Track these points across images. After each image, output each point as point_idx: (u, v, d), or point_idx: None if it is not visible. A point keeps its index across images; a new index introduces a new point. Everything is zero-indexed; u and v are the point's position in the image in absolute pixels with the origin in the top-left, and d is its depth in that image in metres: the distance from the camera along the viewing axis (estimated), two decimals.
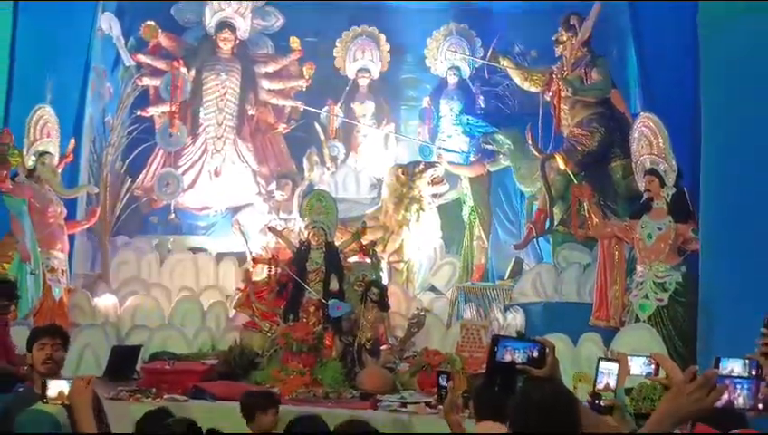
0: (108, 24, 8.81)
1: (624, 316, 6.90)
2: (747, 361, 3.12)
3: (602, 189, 7.86)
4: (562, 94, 8.20)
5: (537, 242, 8.35)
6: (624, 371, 3.25)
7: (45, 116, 7.44)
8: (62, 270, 7.29)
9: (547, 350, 2.53)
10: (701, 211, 6.54)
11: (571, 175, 7.72)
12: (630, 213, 7.25)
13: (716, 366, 4.06)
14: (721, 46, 6.78)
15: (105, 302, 7.83)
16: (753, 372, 2.77)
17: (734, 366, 3.30)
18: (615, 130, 8.01)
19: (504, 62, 9.00)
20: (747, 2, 6.52)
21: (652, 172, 6.89)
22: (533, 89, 8.75)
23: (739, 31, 6.55)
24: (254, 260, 7.48)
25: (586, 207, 7.37)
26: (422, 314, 7.13)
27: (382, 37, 10.48)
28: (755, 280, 5.98)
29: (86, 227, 7.97)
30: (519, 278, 8.09)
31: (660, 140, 6.91)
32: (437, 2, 10.54)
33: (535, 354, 2.53)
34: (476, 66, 10.19)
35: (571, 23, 8.29)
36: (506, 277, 8.49)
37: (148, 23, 9.36)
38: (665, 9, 8.19)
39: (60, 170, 7.55)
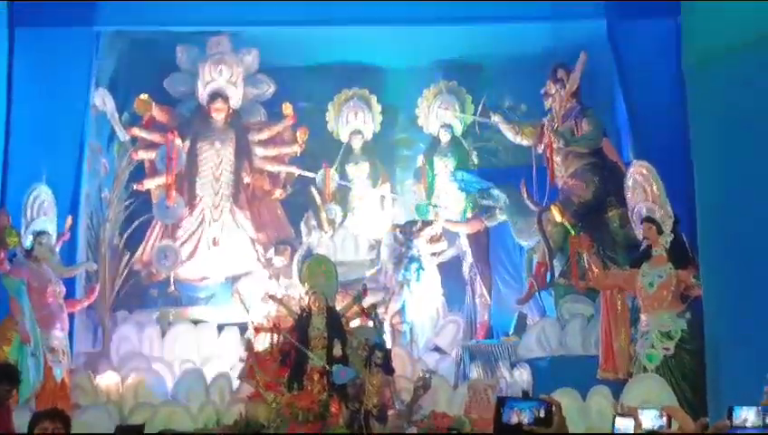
0: (101, 100, 8.90)
1: (631, 367, 6.84)
2: (760, 408, 3.06)
3: (601, 239, 7.86)
4: (554, 146, 8.26)
5: (539, 296, 8.31)
6: (637, 425, 3.22)
7: (42, 195, 7.47)
8: (63, 350, 7.23)
9: (554, 408, 2.51)
10: (700, 256, 6.53)
11: (569, 226, 7.72)
12: (630, 262, 7.24)
13: (729, 416, 4.00)
14: (707, 89, 6.86)
15: (107, 380, 7.73)
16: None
17: (748, 415, 3.24)
18: (609, 180, 8.04)
19: (495, 118, 9.08)
20: (729, 42, 6.61)
21: (649, 220, 6.90)
22: (525, 142, 8.81)
23: (724, 72, 6.63)
24: (256, 329, 7.40)
25: (586, 259, 7.35)
26: (428, 376, 7.05)
27: (373, 98, 10.57)
28: (761, 323, 5.95)
29: (86, 304, 7.92)
30: (524, 334, 8.03)
31: (654, 188, 6.94)
32: (426, 60, 10.68)
33: (542, 414, 2.52)
34: (468, 123, 10.30)
35: (559, 75, 8.40)
36: (511, 333, 8.43)
37: (141, 96, 9.45)
38: (650, 56, 8.33)
39: (57, 249, 7.54)
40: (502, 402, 2.54)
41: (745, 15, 6.98)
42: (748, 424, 2.94)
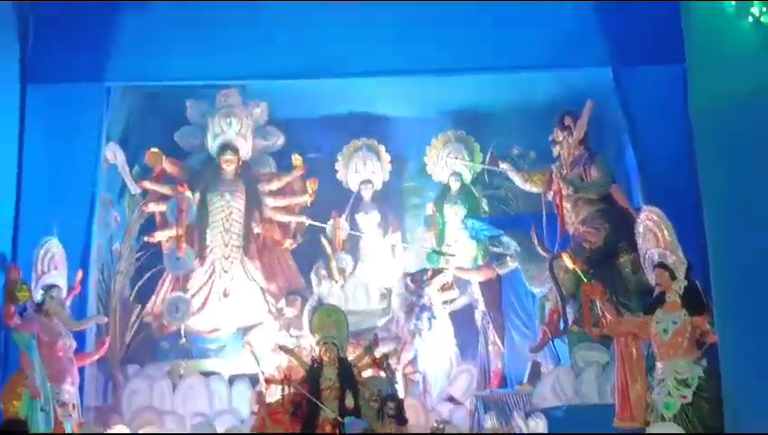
0: (112, 153, 8.99)
1: (649, 416, 6.72)
2: None
3: (613, 285, 7.78)
4: (564, 193, 8.25)
5: (553, 343, 8.22)
6: None
7: (53, 249, 7.49)
8: (73, 404, 7.18)
9: None
10: (714, 302, 6.46)
11: (581, 273, 7.66)
12: (644, 308, 7.16)
13: None
14: (715, 134, 6.87)
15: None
16: None
17: None
18: (620, 225, 8.00)
19: (504, 165, 9.11)
20: (735, 87, 6.64)
21: (661, 266, 6.84)
22: (535, 189, 8.81)
23: (731, 117, 6.65)
24: (267, 381, 7.35)
25: (599, 306, 7.28)
26: (441, 426, 6.96)
27: (382, 148, 10.66)
28: None
29: (96, 358, 7.87)
30: (538, 382, 7.93)
31: (666, 233, 6.90)
32: (434, 110, 10.77)
33: None
34: (477, 171, 10.33)
35: (566, 123, 8.43)
36: (525, 382, 8.33)
37: (152, 150, 9.54)
38: (657, 101, 8.37)
39: (68, 302, 7.54)
40: None
41: (750, 61, 7.04)
42: None
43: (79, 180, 8.32)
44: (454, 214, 10.23)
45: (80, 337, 7.71)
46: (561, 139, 8.50)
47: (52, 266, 7.46)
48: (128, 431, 7.71)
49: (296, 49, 8.90)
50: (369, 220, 10.33)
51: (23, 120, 8.38)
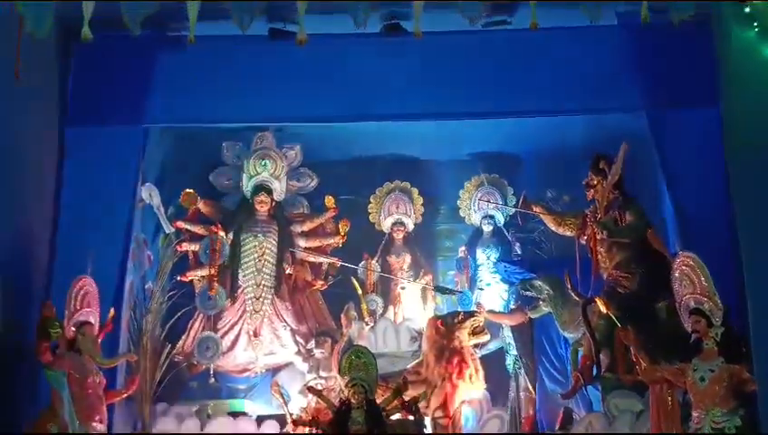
0: (148, 193, 9.08)
1: None
2: None
3: (648, 332, 7.61)
4: (598, 237, 8.17)
5: (586, 390, 8.06)
6: None
7: (86, 286, 7.56)
8: None
9: None
10: (754, 350, 6.32)
11: (615, 319, 7.53)
12: (680, 355, 7.00)
13: None
14: (751, 178, 6.80)
15: None
16: None
17: None
18: (655, 271, 7.86)
19: (537, 209, 9.05)
20: None
21: (697, 312, 6.72)
22: (568, 233, 8.72)
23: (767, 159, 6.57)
24: (294, 422, 7.31)
25: (633, 352, 7.14)
26: None
27: (415, 191, 10.68)
28: None
29: (125, 396, 7.88)
30: (569, 429, 7.76)
31: (702, 279, 6.79)
32: (467, 153, 10.78)
33: None
34: (510, 214, 10.29)
35: (600, 166, 8.36)
36: (557, 429, 8.15)
37: (188, 190, 9.63)
38: (693, 145, 8.29)
39: (100, 340, 7.58)
40: None
41: None
42: None
43: (114, 220, 8.40)
44: (486, 257, 10.19)
45: (110, 375, 7.73)
46: (595, 182, 8.43)
47: (85, 304, 7.51)
48: None
49: (331, 92, 8.98)
50: (400, 262, 10.33)
51: (61, 162, 8.55)
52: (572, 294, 8.14)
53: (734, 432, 6.34)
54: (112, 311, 7.83)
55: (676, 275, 6.99)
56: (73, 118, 8.64)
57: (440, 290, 9.77)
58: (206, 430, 8.51)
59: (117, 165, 8.54)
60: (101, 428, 7.22)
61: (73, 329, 7.38)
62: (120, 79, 8.66)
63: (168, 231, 9.43)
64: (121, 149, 8.61)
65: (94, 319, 7.56)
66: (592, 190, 8.46)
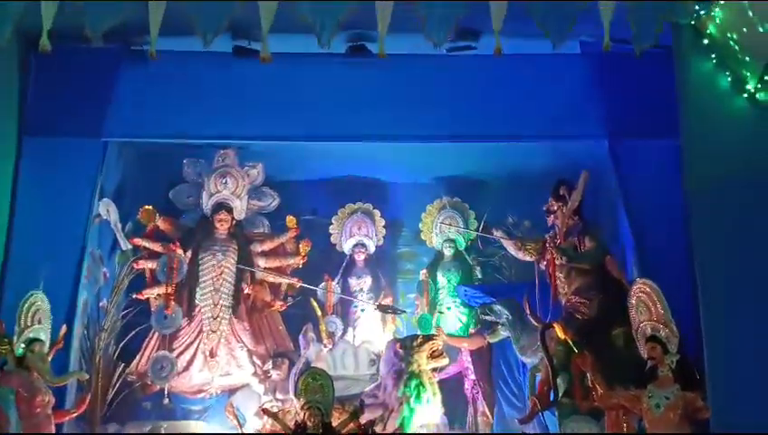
0: (105, 209, 8.93)
1: None
2: None
3: (605, 358, 7.60)
4: (557, 263, 8.19)
5: (542, 415, 8.04)
6: None
7: (38, 302, 7.37)
8: None
9: None
10: (708, 378, 6.36)
11: (572, 344, 7.55)
12: (636, 382, 7.02)
13: None
14: (710, 209, 6.90)
15: None
16: None
17: None
18: (613, 297, 7.88)
19: (497, 233, 9.07)
20: (730, 163, 6.68)
21: (654, 339, 6.75)
22: (528, 258, 8.75)
23: (726, 193, 6.68)
24: None
25: (589, 378, 7.15)
26: None
27: (377, 212, 10.66)
28: None
29: (75, 415, 7.67)
30: None
31: (659, 306, 6.82)
32: (430, 176, 10.80)
33: None
34: (471, 238, 10.31)
35: (561, 192, 8.41)
36: None
37: (146, 207, 9.49)
38: (652, 175, 8.38)
39: (50, 357, 7.39)
40: None
41: (745, 139, 7.12)
42: None
43: (69, 235, 8.24)
44: (447, 281, 10.18)
45: (60, 393, 7.53)
46: (555, 208, 8.48)
47: (35, 320, 7.32)
48: None
49: (295, 112, 8.95)
50: (361, 284, 10.28)
51: (17, 171, 8.35)
52: (531, 319, 8.14)
53: None
54: (64, 328, 7.65)
55: (633, 301, 7.03)
56: (31, 127, 8.48)
57: (383, 309, 9.74)
58: None
59: (74, 178, 8.39)
60: None
61: (23, 345, 7.19)
62: (80, 91, 8.54)
63: (124, 248, 9.28)
64: (79, 163, 8.47)
65: (45, 336, 7.37)
66: (552, 216, 8.51)
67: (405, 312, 9.87)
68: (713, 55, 7.39)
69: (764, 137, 6.94)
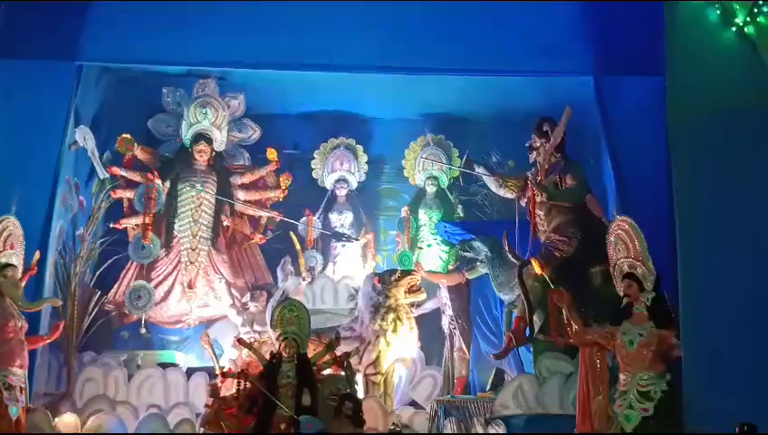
0: (82, 136, 8.76)
1: (609, 428, 6.58)
2: None
3: (583, 296, 7.61)
4: (537, 200, 8.14)
5: (518, 351, 8.07)
6: None
7: (10, 227, 7.25)
8: (21, 387, 6.91)
9: None
10: (681, 316, 6.35)
11: (548, 280, 7.53)
12: (611, 320, 7.02)
13: None
14: (691, 147, 6.81)
15: (66, 421, 7.44)
16: None
17: None
18: (592, 235, 7.84)
19: (479, 169, 8.99)
20: (713, 101, 6.57)
21: (630, 276, 6.70)
22: (509, 195, 8.70)
23: (708, 130, 6.59)
24: (223, 375, 7.15)
25: (565, 314, 7.15)
26: (398, 428, 6.79)
27: (360, 148, 10.57)
28: (741, 388, 5.77)
29: (48, 342, 7.62)
30: (500, 390, 7.78)
31: (637, 243, 6.76)
32: (414, 112, 10.66)
33: None
34: (454, 175, 10.24)
35: (544, 129, 8.32)
36: (488, 389, 8.17)
37: (124, 135, 9.34)
38: (636, 112, 8.27)
39: (24, 283, 7.31)
40: None
41: (730, 74, 6.97)
42: None
43: (42, 160, 8.05)
44: (428, 218, 10.15)
45: (34, 320, 7.47)
46: (538, 144, 8.40)
47: (8, 245, 7.22)
48: (76, 418, 7.47)
49: (277, 39, 8.73)
50: (342, 220, 10.24)
51: None
52: (509, 255, 8.11)
53: (660, 396, 6.37)
54: (38, 254, 7.54)
55: (612, 238, 6.96)
56: (1, 48, 8.21)
57: (337, 236, 9.67)
58: (133, 381, 8.35)
59: (46, 102, 8.16)
60: (21, 373, 6.96)
61: None
62: (54, 12, 8.28)
63: (102, 176, 9.15)
64: (52, 85, 8.23)
65: (17, 261, 7.28)
66: (535, 152, 8.43)
67: (357, 240, 9.80)
68: None
69: (750, 73, 6.78)
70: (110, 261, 8.99)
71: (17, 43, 8.16)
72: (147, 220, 9.08)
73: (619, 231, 6.93)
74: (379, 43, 8.77)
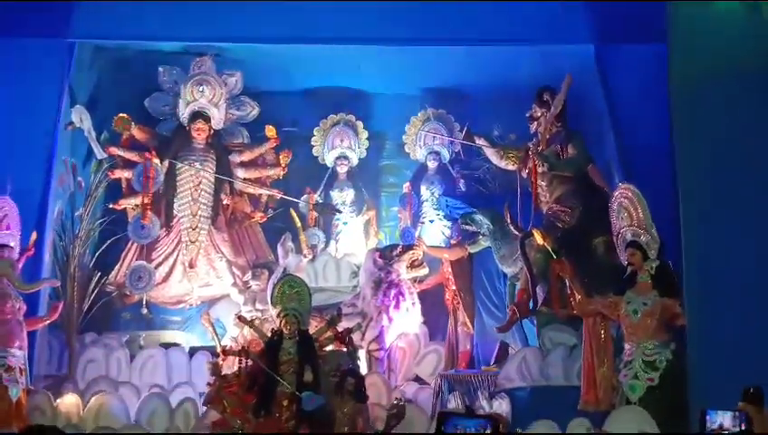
0: (78, 117, 8.69)
1: (615, 398, 6.52)
2: (737, 413, 3.06)
3: (586, 266, 7.52)
4: (539, 170, 8.05)
5: (522, 324, 8.01)
6: None
7: (6, 208, 7.23)
8: (21, 368, 6.92)
9: (501, 426, 2.25)
10: (684, 284, 6.28)
11: (551, 250, 7.43)
12: (614, 290, 6.93)
13: (703, 419, 3.86)
14: (693, 114, 6.71)
15: (68, 401, 7.42)
16: (743, 426, 2.76)
17: (723, 419, 3.18)
18: (595, 205, 7.75)
19: (480, 141, 8.88)
20: (715, 68, 6.46)
21: (634, 245, 6.62)
22: (510, 166, 8.60)
23: (710, 98, 6.49)
24: (224, 352, 7.11)
25: (568, 285, 7.07)
26: (401, 403, 6.75)
27: (360, 124, 10.43)
28: (746, 356, 5.71)
29: (47, 323, 7.60)
30: (504, 363, 7.72)
31: (640, 211, 6.68)
32: (414, 87, 10.54)
33: (488, 431, 2.27)
34: (456, 150, 10.13)
35: (544, 98, 8.22)
36: (492, 363, 8.12)
37: (121, 115, 9.25)
38: (637, 81, 8.15)
39: (21, 264, 7.27)
40: (443, 420, 2.30)
41: (731, 42, 6.85)
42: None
43: (37, 139, 8.01)
44: (430, 193, 10.04)
45: (33, 301, 7.45)
46: (538, 114, 8.30)
47: (3, 226, 7.20)
48: (78, 399, 7.44)
49: (274, 13, 8.63)
50: (343, 197, 10.15)
51: None
52: (511, 227, 8.03)
53: (665, 365, 6.31)
54: (35, 234, 7.52)
55: (615, 207, 6.88)
56: None
57: (321, 207, 9.60)
58: (135, 361, 8.32)
59: (40, 81, 8.10)
60: (20, 354, 6.96)
61: None
62: None
63: (99, 156, 9.07)
64: (45, 64, 8.15)
65: (14, 242, 7.24)
66: (536, 123, 8.33)
67: (341, 211, 9.71)
68: None
69: (753, 38, 6.66)
70: (109, 241, 8.94)
71: (7, 20, 8.06)
72: (146, 200, 9.01)
73: (623, 199, 6.84)
74: (377, 16, 8.64)
